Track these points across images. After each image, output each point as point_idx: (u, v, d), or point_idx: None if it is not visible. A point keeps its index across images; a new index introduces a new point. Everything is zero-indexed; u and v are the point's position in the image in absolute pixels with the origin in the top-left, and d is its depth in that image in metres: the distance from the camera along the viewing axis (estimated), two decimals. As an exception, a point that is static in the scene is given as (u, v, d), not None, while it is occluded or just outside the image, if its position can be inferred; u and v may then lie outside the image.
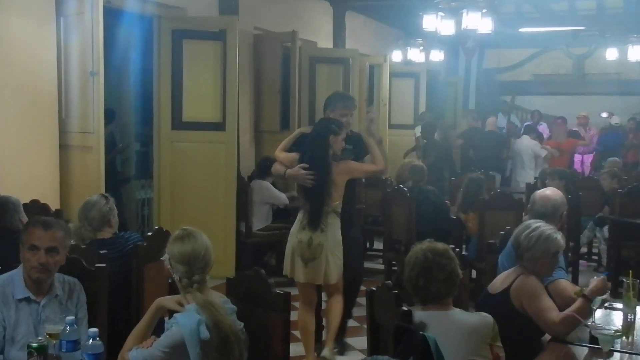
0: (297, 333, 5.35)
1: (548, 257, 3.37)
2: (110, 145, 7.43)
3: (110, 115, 7.51)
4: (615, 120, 12.97)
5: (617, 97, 14.12)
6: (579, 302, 3.21)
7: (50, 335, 2.60)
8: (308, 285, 4.76)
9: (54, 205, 5.43)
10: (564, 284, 3.60)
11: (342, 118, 4.86)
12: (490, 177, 8.44)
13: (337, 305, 4.84)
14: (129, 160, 8.27)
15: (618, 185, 7.55)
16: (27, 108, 5.55)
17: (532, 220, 3.54)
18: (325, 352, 4.80)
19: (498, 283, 3.44)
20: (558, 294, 3.47)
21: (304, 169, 4.66)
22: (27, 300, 2.95)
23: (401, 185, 6.68)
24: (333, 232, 4.65)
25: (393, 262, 6.73)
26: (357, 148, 4.92)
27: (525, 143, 10.48)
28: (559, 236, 3.43)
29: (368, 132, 5.01)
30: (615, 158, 9.40)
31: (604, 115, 13.21)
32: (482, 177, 6.97)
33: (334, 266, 4.66)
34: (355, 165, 4.83)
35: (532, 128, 11.42)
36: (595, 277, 3.30)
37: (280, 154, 4.98)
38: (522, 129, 12.09)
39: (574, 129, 12.46)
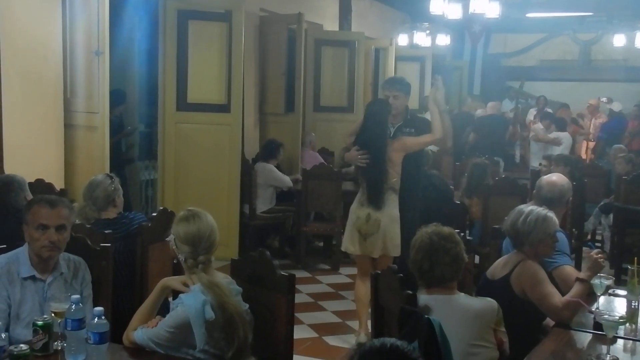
0: (300, 316, 5.41)
1: (549, 237, 3.39)
2: (118, 127, 7.43)
3: (120, 97, 7.51)
4: (616, 106, 12.87)
5: (623, 83, 14.03)
6: (577, 285, 3.23)
7: (55, 313, 2.61)
8: (365, 257, 4.95)
9: (59, 184, 5.44)
10: (569, 269, 3.60)
11: (392, 100, 5.02)
12: (494, 162, 8.40)
13: (364, 288, 4.88)
14: (133, 142, 8.26)
15: (633, 170, 7.51)
16: (32, 87, 5.54)
17: (522, 206, 3.54)
18: (361, 337, 4.90)
19: (497, 269, 3.44)
20: (563, 280, 3.47)
21: (358, 149, 4.88)
22: (33, 278, 2.95)
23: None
24: (390, 209, 4.83)
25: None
26: (419, 130, 5.04)
27: (569, 139, 10.36)
28: (553, 215, 3.45)
29: (433, 99, 5.12)
30: (621, 145, 9.35)
31: (603, 99, 13.08)
32: (487, 162, 6.95)
33: (389, 241, 4.83)
34: (409, 140, 4.95)
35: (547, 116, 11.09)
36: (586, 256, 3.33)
37: (347, 138, 5.25)
38: (537, 117, 11.82)
39: (578, 115, 12.40)
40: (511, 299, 3.25)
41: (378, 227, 4.79)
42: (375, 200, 4.80)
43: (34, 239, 2.93)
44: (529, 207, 3.47)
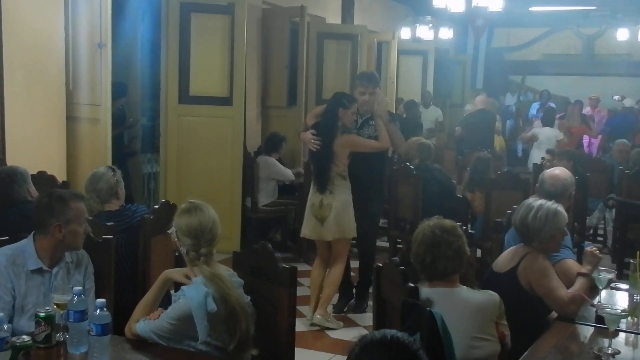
0: (301, 309, 5.41)
1: (559, 232, 3.39)
2: (120, 119, 7.42)
3: (122, 89, 7.50)
4: (628, 102, 12.84)
5: (627, 78, 14.01)
6: (579, 280, 3.24)
7: (57, 305, 2.61)
8: (322, 242, 5.27)
9: (61, 176, 5.44)
10: (571, 263, 3.60)
11: (361, 96, 5.29)
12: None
13: (335, 274, 5.24)
14: (136, 135, 8.26)
15: None
16: (35, 79, 5.54)
17: (531, 200, 3.52)
18: (315, 318, 5.19)
19: (504, 262, 3.43)
20: (564, 274, 3.47)
21: (313, 134, 5.14)
22: (39, 271, 2.96)
23: (407, 163, 6.66)
24: (340, 194, 5.10)
25: (398, 240, 6.73)
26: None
27: (548, 134, 10.34)
28: (562, 208, 3.45)
29: (377, 113, 5.35)
30: (624, 140, 9.33)
31: (616, 97, 13.07)
32: (490, 156, 6.94)
33: (345, 224, 5.11)
34: (357, 140, 5.22)
35: (552, 116, 10.94)
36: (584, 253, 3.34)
37: (310, 119, 5.44)
38: (541, 115, 11.73)
39: (586, 112, 12.38)
40: (517, 291, 3.26)
41: (330, 210, 5.06)
42: (324, 186, 5.09)
43: (77, 233, 3.01)
44: (538, 202, 3.44)
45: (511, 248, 3.51)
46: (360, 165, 5.26)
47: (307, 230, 5.25)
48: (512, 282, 3.29)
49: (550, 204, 3.42)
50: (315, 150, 5.15)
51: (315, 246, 5.49)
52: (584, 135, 11.89)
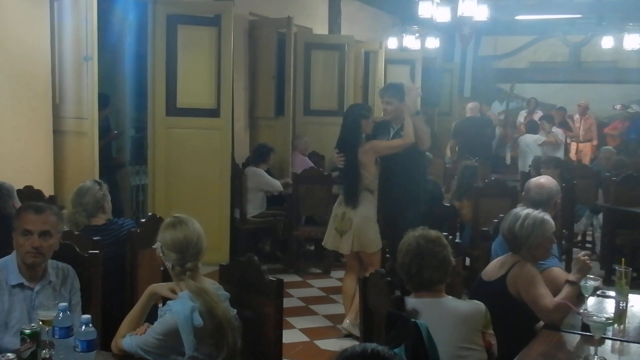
0: (291, 320, 5.43)
1: (547, 240, 3.42)
2: (105, 131, 7.40)
3: (104, 101, 7.47)
4: (636, 108, 12.88)
5: (613, 85, 14.10)
6: (566, 288, 3.25)
7: (43, 321, 2.60)
8: (350, 254, 5.28)
9: (48, 191, 5.41)
10: (557, 271, 3.62)
11: (385, 106, 5.29)
12: (484, 164, 8.39)
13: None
14: (123, 146, 8.25)
15: None
16: (21, 93, 5.52)
17: (518, 209, 3.56)
18: (345, 323, 5.24)
19: (492, 270, 3.45)
20: (551, 282, 3.48)
21: (337, 152, 5.22)
22: (21, 286, 2.94)
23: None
24: (363, 209, 5.11)
25: (386, 250, 6.73)
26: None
27: (528, 140, 10.42)
28: (549, 216, 3.47)
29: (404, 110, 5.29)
30: (610, 147, 9.40)
31: (617, 107, 13.13)
32: (476, 164, 6.97)
33: (363, 238, 5.13)
34: (379, 143, 5.22)
35: (536, 126, 10.93)
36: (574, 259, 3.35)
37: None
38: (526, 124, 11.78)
39: (569, 117, 12.46)
40: (506, 300, 3.27)
41: (350, 225, 5.09)
42: (350, 199, 5.12)
43: (19, 244, 2.93)
44: (525, 211, 3.47)
45: (500, 257, 3.53)
46: (392, 172, 5.27)
47: (328, 240, 5.33)
48: (501, 291, 3.30)
49: (537, 213, 3.45)
50: (342, 166, 5.21)
51: (302, 255, 5.57)
52: (571, 143, 11.99)
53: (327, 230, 5.34)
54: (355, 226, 5.09)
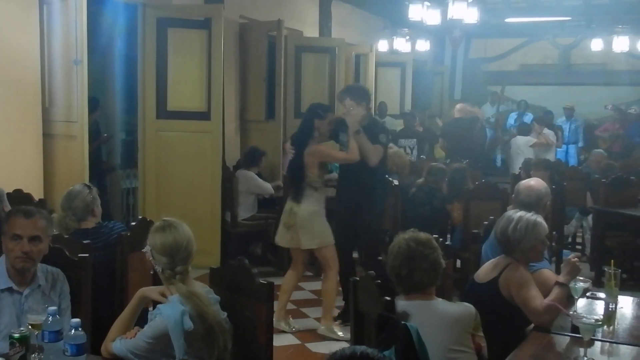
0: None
1: (540, 242, 3.43)
2: (95, 134, 7.37)
3: (93, 104, 7.44)
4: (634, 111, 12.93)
5: (602, 87, 14.19)
6: (555, 289, 3.25)
7: (32, 325, 2.59)
8: (292, 248, 5.36)
9: (38, 195, 5.40)
10: (547, 273, 3.63)
11: (345, 109, 5.35)
12: (474, 166, 8.39)
13: (326, 283, 5.32)
14: (114, 150, 8.23)
15: None
16: (10, 96, 5.50)
17: (511, 212, 3.57)
18: (320, 329, 5.28)
19: (485, 273, 3.46)
20: (541, 284, 3.49)
21: (291, 144, 5.36)
22: (10, 290, 2.93)
23: (387, 176, 6.68)
24: (307, 203, 5.13)
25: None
26: (368, 135, 5.26)
27: (520, 142, 10.47)
28: (542, 219, 3.49)
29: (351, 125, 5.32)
30: (600, 150, 9.44)
31: (609, 107, 13.18)
32: (465, 166, 6.98)
33: (304, 234, 5.15)
34: (324, 150, 5.27)
35: (527, 128, 11.01)
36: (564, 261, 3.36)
37: None
38: (516, 126, 11.85)
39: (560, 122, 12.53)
40: (498, 301, 3.28)
41: (294, 219, 5.14)
42: (295, 194, 5.19)
43: (8, 249, 2.92)
44: (517, 214, 3.49)
45: (493, 259, 3.54)
46: (350, 176, 5.39)
47: (278, 236, 5.38)
48: (494, 293, 3.32)
49: (530, 215, 3.46)
50: (291, 159, 5.31)
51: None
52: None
53: (279, 226, 5.37)
54: (300, 219, 5.12)
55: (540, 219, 3.47)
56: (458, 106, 10.64)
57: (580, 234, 8.02)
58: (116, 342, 2.74)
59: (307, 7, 10.21)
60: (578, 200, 7.65)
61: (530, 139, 10.36)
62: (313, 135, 5.16)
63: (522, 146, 10.33)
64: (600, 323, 2.95)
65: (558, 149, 11.83)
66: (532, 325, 3.30)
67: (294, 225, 5.15)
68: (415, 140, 9.69)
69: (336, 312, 5.49)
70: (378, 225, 5.68)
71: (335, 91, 9.33)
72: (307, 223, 5.14)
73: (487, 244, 4.09)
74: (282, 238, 5.32)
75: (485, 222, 4.40)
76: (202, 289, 2.85)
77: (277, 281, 3.05)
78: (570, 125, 12.60)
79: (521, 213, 3.50)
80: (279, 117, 8.27)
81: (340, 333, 5.19)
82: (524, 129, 10.79)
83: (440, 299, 2.94)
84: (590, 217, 7.39)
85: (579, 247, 8.07)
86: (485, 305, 3.01)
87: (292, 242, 5.25)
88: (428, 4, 8.27)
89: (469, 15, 8.01)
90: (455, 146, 9.69)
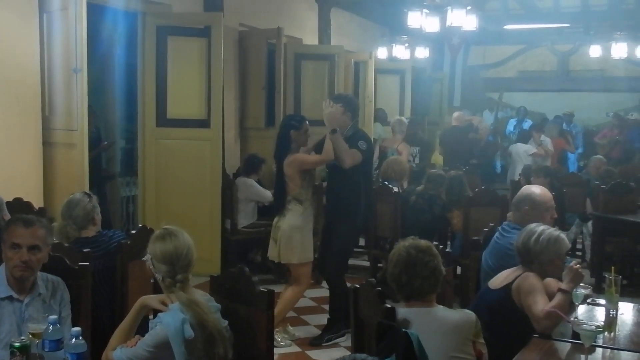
0: (282, 330, 5.39)
1: (560, 258, 3.44)
2: (95, 142, 7.38)
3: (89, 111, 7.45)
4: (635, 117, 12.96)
5: (601, 93, 14.22)
6: (558, 296, 3.25)
7: (33, 334, 2.59)
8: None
9: (38, 203, 5.39)
10: (549, 280, 3.62)
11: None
12: (471, 173, 8.39)
13: (287, 293, 5.24)
14: (114, 158, 8.23)
15: None
16: (10, 104, 5.50)
17: (533, 225, 3.56)
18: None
19: (500, 279, 3.48)
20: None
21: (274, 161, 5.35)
22: (10, 299, 2.93)
23: (386, 182, 6.69)
24: (289, 217, 5.11)
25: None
26: (348, 142, 5.15)
27: (519, 150, 10.49)
28: (564, 236, 3.51)
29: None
30: (599, 156, 9.44)
31: (610, 115, 13.22)
32: (462, 173, 6.98)
33: (285, 248, 5.12)
34: (300, 156, 5.19)
35: (527, 135, 11.05)
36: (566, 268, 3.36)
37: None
38: (518, 133, 11.89)
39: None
40: (508, 307, 3.31)
41: (277, 233, 5.13)
42: (279, 208, 5.19)
43: (7, 258, 2.92)
44: (541, 227, 3.50)
45: (511, 269, 3.54)
46: (333, 185, 5.41)
47: (269, 250, 5.35)
48: (504, 297, 3.34)
49: (553, 230, 3.48)
50: (275, 174, 5.32)
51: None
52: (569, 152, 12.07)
53: (270, 241, 5.35)
54: (281, 233, 5.11)
55: (562, 234, 3.49)
56: (455, 114, 10.74)
57: (580, 241, 8.01)
58: (117, 351, 2.74)
59: (307, 15, 10.23)
60: (578, 206, 7.65)
61: (530, 148, 10.37)
62: (290, 147, 5.13)
63: (522, 154, 10.35)
64: (601, 329, 2.95)
65: (570, 154, 11.94)
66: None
67: (278, 240, 5.14)
68: (418, 148, 9.70)
69: (287, 323, 5.43)
70: (342, 244, 5.44)
71: (335, 98, 9.35)
72: (286, 237, 5.11)
73: (488, 250, 4.09)
74: (271, 252, 5.28)
75: (485, 229, 4.40)
76: (203, 297, 2.85)
77: (277, 289, 3.05)
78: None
79: (544, 226, 3.52)
80: (279, 125, 8.26)
81: (279, 339, 5.12)
82: (524, 136, 10.83)
83: (441, 306, 2.94)
84: (590, 224, 7.38)
85: (579, 253, 8.06)
86: (495, 310, 3.02)
87: (275, 254, 5.23)
88: (427, 11, 8.29)
89: (468, 22, 8.02)
90: (452, 153, 9.74)
